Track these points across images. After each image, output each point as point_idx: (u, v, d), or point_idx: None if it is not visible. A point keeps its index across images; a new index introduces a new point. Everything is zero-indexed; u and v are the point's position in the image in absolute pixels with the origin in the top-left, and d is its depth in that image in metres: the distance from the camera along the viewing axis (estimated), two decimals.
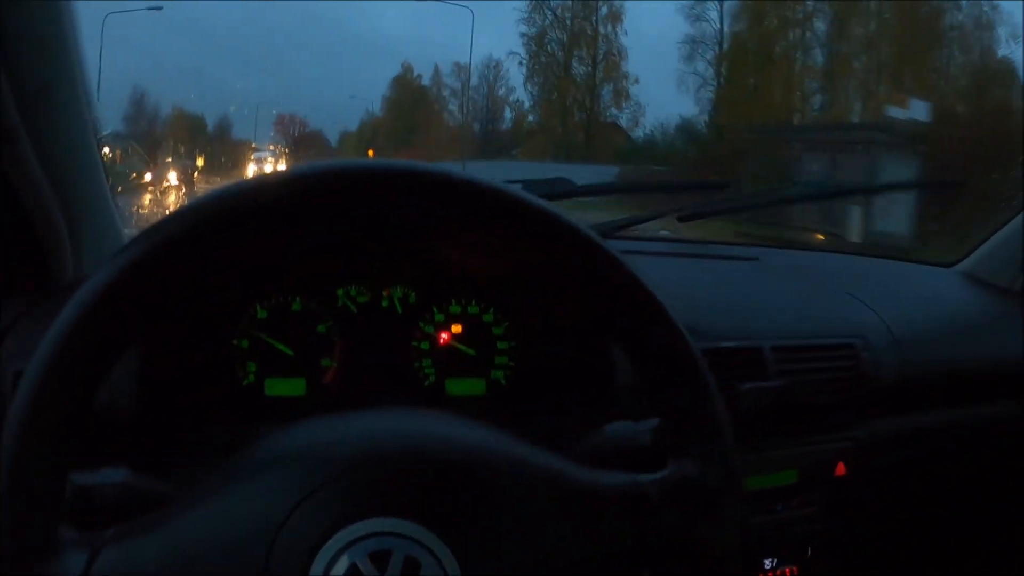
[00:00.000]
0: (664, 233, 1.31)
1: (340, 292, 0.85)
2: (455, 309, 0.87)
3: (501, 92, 19.14)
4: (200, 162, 12.25)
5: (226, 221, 0.48)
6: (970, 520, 1.14)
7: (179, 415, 0.78)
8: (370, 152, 18.29)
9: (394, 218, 0.54)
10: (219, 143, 14.30)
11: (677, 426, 0.55)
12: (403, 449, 0.48)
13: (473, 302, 0.87)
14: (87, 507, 0.47)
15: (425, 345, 0.86)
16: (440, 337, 0.87)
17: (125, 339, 0.48)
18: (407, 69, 20.50)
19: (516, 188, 0.53)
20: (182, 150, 12.09)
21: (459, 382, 0.86)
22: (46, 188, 0.75)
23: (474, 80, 19.28)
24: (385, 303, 0.86)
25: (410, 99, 19.99)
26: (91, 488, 0.47)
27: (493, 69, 19.05)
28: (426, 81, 20.13)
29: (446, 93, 20.09)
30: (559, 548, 0.48)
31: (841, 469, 0.95)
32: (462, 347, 0.87)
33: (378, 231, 0.76)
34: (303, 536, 0.43)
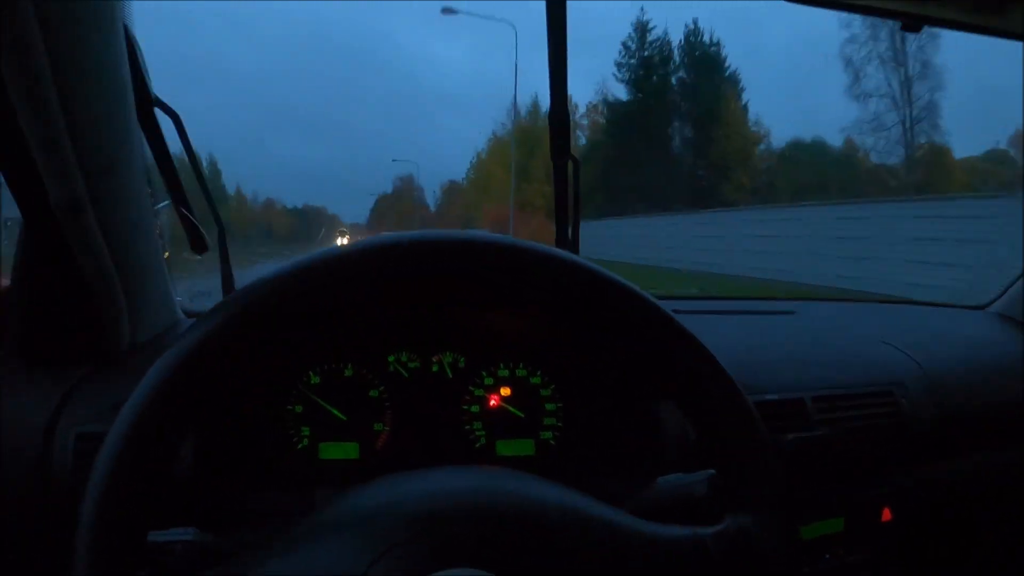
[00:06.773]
0: (696, 292, 1.34)
1: (391, 359, 0.89)
2: (503, 372, 0.91)
3: None
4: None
5: (288, 298, 0.52)
6: (1016, 560, 1.12)
7: (235, 478, 0.81)
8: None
9: (444, 288, 0.56)
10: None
11: (735, 479, 0.57)
12: (470, 503, 0.50)
13: (521, 365, 0.91)
14: (160, 563, 0.50)
15: (475, 408, 0.90)
16: (490, 400, 0.90)
17: (198, 407, 0.51)
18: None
19: (566, 253, 0.55)
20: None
21: (509, 443, 0.89)
22: (107, 259, 0.78)
23: None
24: (435, 368, 0.90)
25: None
26: (163, 545, 0.50)
27: None
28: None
29: None
30: None
31: (887, 515, 0.95)
32: (512, 409, 0.90)
33: (428, 300, 0.79)
34: None
